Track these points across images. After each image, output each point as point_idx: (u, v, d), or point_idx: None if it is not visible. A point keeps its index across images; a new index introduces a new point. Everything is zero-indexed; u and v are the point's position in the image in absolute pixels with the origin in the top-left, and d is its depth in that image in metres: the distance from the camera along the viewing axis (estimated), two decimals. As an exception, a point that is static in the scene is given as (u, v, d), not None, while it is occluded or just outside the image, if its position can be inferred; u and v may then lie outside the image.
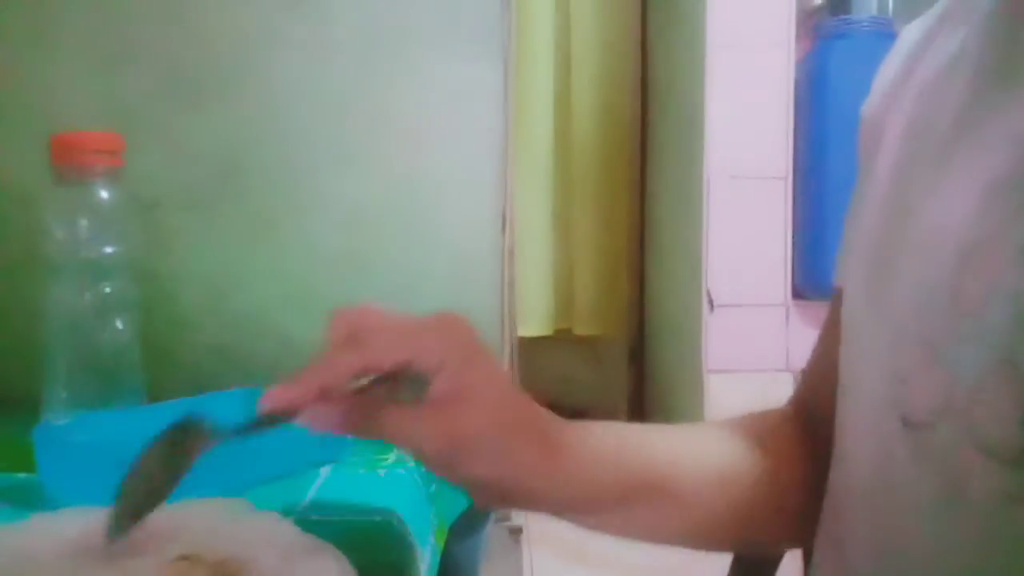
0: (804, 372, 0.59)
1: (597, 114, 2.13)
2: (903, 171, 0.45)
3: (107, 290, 0.66)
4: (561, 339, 2.26)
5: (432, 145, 0.82)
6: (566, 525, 0.48)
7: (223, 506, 0.48)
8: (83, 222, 0.65)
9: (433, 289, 0.82)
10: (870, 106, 0.52)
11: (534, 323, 2.17)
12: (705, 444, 0.52)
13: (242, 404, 0.66)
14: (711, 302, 1.78)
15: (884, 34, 1.67)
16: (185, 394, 0.66)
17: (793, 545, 0.56)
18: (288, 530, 0.46)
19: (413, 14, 0.80)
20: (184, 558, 0.41)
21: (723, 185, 1.78)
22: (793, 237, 1.78)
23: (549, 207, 2.18)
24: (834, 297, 0.53)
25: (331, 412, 0.41)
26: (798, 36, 1.77)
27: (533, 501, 0.44)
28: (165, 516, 0.44)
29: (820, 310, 0.51)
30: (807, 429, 0.54)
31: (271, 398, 0.40)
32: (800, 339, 1.74)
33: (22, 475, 0.59)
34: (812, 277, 1.75)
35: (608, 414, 2.24)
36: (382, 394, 0.42)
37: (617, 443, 0.48)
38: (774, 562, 0.62)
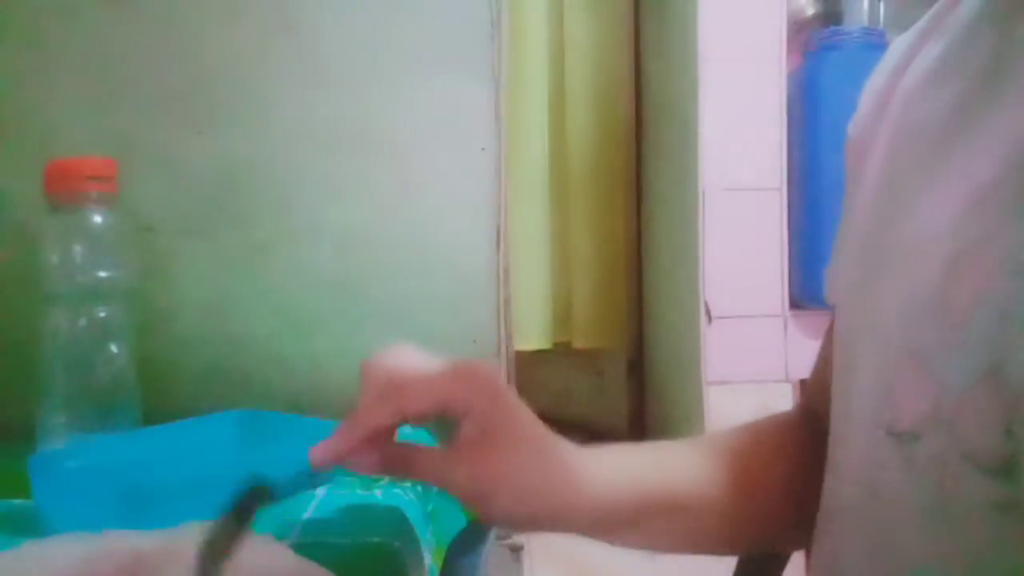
0: (807, 381, 0.59)
1: (592, 129, 2.14)
2: (890, 182, 0.45)
3: (102, 315, 0.66)
4: (560, 353, 2.26)
5: (425, 166, 0.82)
6: (567, 543, 0.49)
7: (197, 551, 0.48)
8: (78, 248, 0.65)
9: (429, 309, 0.82)
10: (856, 122, 0.53)
11: (533, 337, 2.17)
12: (711, 454, 0.53)
13: (237, 427, 0.66)
14: (709, 314, 1.78)
15: (875, 45, 1.68)
16: (181, 417, 0.66)
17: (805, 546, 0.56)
18: (283, 553, 0.46)
19: (404, 38, 0.81)
20: (178, 584, 0.41)
21: (718, 197, 1.78)
22: (789, 247, 1.79)
23: (546, 222, 2.18)
24: (834, 307, 0.53)
25: (372, 459, 0.45)
26: (790, 48, 1.78)
27: (559, 527, 0.47)
28: (159, 540, 0.44)
29: (818, 320, 0.51)
30: (813, 435, 0.55)
31: (320, 452, 0.44)
32: (798, 349, 1.74)
33: (17, 501, 0.59)
34: (809, 287, 1.75)
35: (608, 427, 2.24)
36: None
37: (629, 465, 0.50)
38: (780, 563, 0.62)
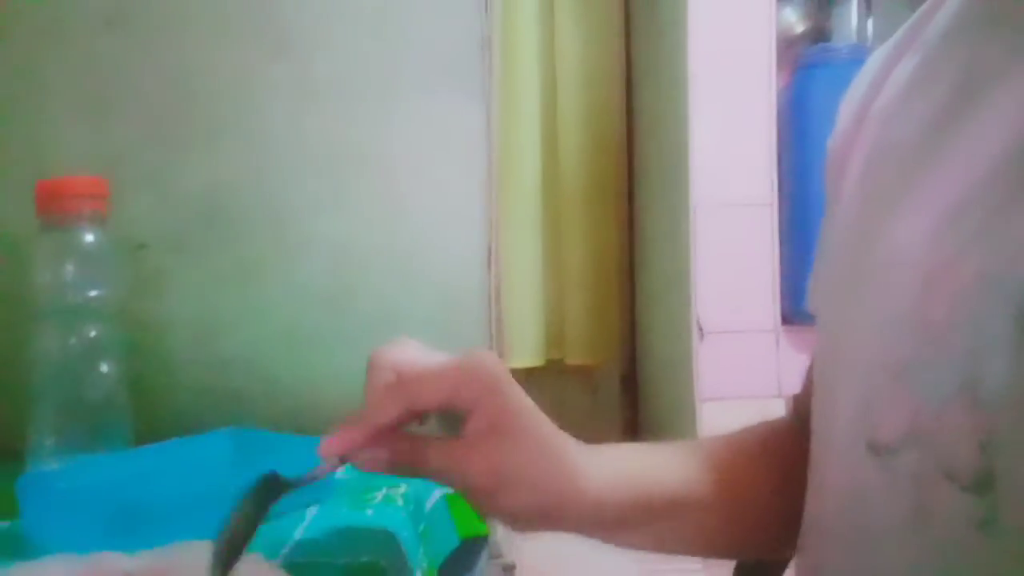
0: (797, 394, 0.60)
1: (584, 146, 2.15)
2: (867, 198, 0.46)
3: (93, 334, 0.66)
4: (553, 369, 2.26)
5: (416, 184, 0.83)
6: (560, 562, 0.48)
7: (207, 549, 0.47)
8: (69, 267, 0.65)
9: (421, 326, 0.82)
10: (835, 137, 0.53)
11: (526, 354, 2.17)
12: (706, 458, 0.53)
13: (228, 446, 0.66)
14: (701, 329, 1.78)
15: (863, 61, 1.69)
16: (172, 436, 0.65)
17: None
18: (273, 573, 0.46)
19: (396, 56, 0.81)
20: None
21: (710, 213, 1.79)
22: (780, 263, 1.79)
23: (539, 238, 2.18)
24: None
25: (381, 454, 0.44)
26: (779, 65, 1.79)
27: (566, 525, 0.47)
28: (149, 561, 0.43)
29: (810, 335, 0.52)
30: (803, 445, 0.55)
31: (330, 446, 0.44)
32: (791, 365, 1.74)
33: (5, 523, 0.58)
34: (800, 303, 1.76)
35: (603, 443, 2.23)
36: (422, 432, 0.46)
37: (628, 464, 0.50)
38: (780, 567, 0.62)
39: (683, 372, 1.85)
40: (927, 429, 0.36)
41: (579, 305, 2.20)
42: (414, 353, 0.46)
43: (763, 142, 1.77)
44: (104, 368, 0.66)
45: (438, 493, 0.68)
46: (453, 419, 0.45)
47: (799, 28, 1.93)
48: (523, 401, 0.46)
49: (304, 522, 0.59)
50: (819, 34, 1.88)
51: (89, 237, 0.66)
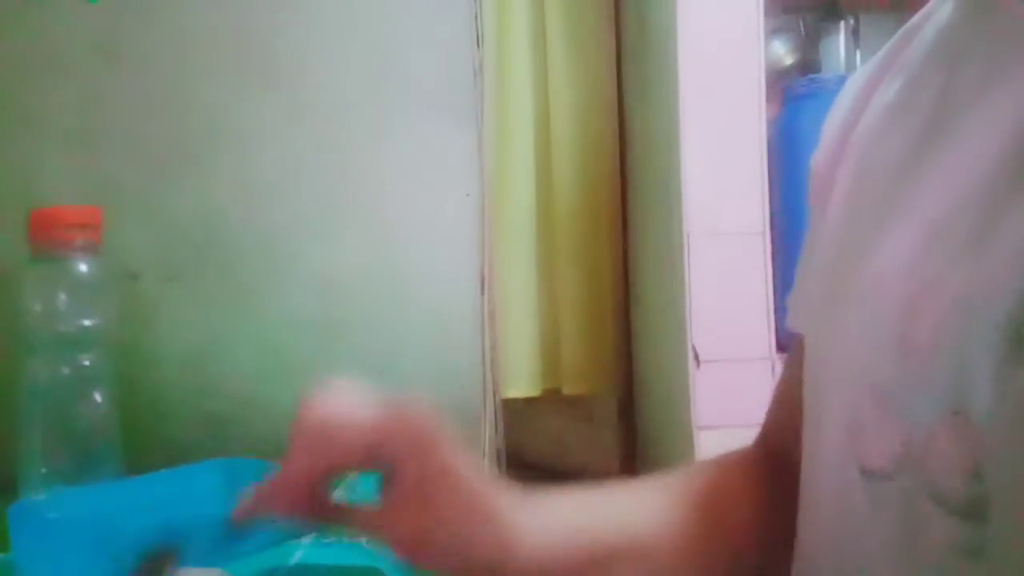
0: (767, 415, 0.59)
1: (578, 174, 2.17)
2: (850, 219, 0.46)
3: (85, 363, 0.66)
4: (550, 400, 2.25)
5: (408, 211, 0.83)
6: None
7: (199, 578, 0.47)
8: (61, 296, 0.65)
9: (413, 353, 0.82)
10: (819, 156, 0.54)
11: (522, 384, 2.16)
12: (654, 500, 0.52)
13: (221, 476, 0.65)
14: (697, 358, 1.78)
15: (852, 91, 1.71)
16: (165, 466, 0.65)
17: None
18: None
19: (388, 84, 0.82)
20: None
21: (703, 241, 1.80)
22: (774, 291, 1.80)
23: (533, 268, 2.19)
24: (794, 342, 0.53)
25: (298, 513, 0.43)
26: (769, 96, 1.82)
27: None
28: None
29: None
30: (772, 473, 0.54)
31: (243, 511, 0.42)
32: (787, 392, 1.74)
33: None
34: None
35: (600, 473, 2.22)
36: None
37: (581, 511, 0.49)
38: None
39: (679, 400, 1.85)
40: (916, 455, 0.36)
41: (575, 334, 2.20)
42: (344, 401, 0.44)
43: (754, 172, 1.79)
44: (96, 397, 0.66)
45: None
46: (381, 475, 0.44)
47: (788, 60, 1.96)
48: (451, 457, 0.43)
49: (298, 552, 0.58)
50: (808, 66, 1.90)
51: (82, 267, 0.66)
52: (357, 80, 0.83)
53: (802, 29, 1.98)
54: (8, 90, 0.80)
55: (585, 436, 2.36)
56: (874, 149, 0.45)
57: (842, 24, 1.95)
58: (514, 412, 1.99)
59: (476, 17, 0.82)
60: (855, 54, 1.90)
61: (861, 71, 0.53)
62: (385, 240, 0.83)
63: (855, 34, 1.93)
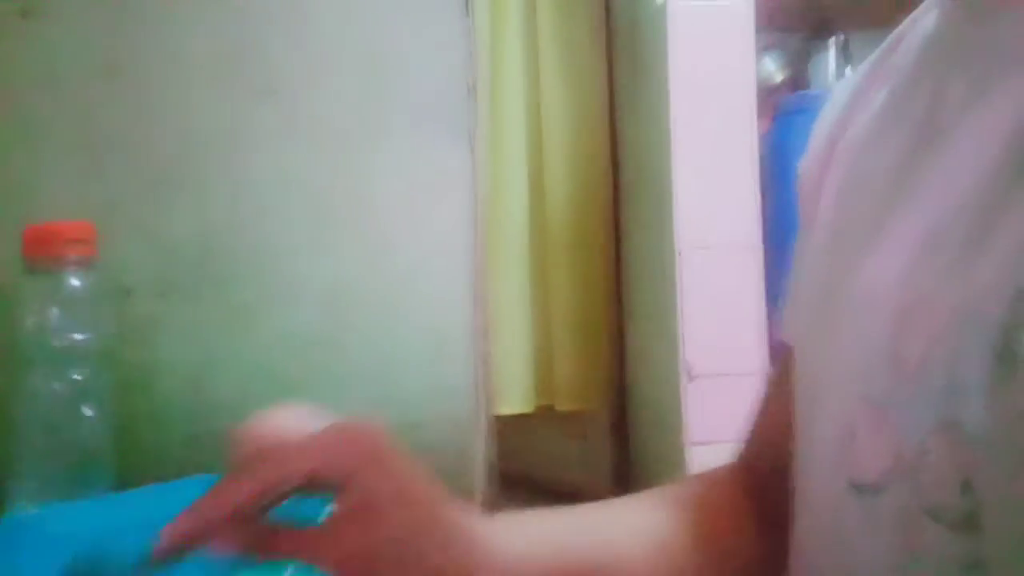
0: (750, 431, 0.59)
1: (571, 190, 2.18)
2: (841, 229, 0.46)
3: (78, 378, 0.66)
4: (543, 416, 2.25)
5: (403, 227, 0.83)
6: None
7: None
8: (55, 311, 0.65)
9: (406, 369, 0.82)
10: (807, 162, 0.54)
11: (515, 400, 2.16)
12: (642, 516, 0.51)
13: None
14: (689, 373, 1.79)
15: (842, 108, 1.73)
16: (157, 482, 0.65)
17: None
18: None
19: (381, 101, 0.83)
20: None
21: (695, 256, 1.80)
22: (767, 305, 1.80)
23: (526, 284, 2.19)
24: (783, 353, 0.53)
25: (229, 543, 0.39)
26: (760, 112, 1.83)
27: None
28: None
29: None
30: (748, 493, 0.54)
31: (170, 533, 0.38)
32: (780, 407, 1.74)
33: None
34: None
35: (593, 490, 2.21)
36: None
37: (554, 530, 0.47)
38: None
39: (672, 416, 1.85)
40: (909, 468, 0.36)
41: (568, 350, 2.20)
42: (288, 423, 0.41)
43: (746, 187, 1.80)
44: (89, 412, 0.66)
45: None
46: (325, 496, 0.40)
47: (779, 77, 1.98)
48: (402, 475, 0.41)
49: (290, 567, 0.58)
50: (798, 82, 1.92)
51: (76, 282, 0.66)
52: (351, 97, 0.83)
53: (793, 46, 2.00)
54: (5, 104, 0.81)
55: (578, 452, 2.36)
56: (862, 160, 0.46)
57: (832, 41, 1.97)
58: (507, 428, 1.98)
59: (470, 33, 0.82)
60: (845, 71, 1.92)
61: (850, 77, 0.53)
62: (379, 256, 0.83)
63: (845, 51, 1.96)
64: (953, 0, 0.43)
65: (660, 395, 1.95)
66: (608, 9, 2.12)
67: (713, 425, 1.78)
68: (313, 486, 0.40)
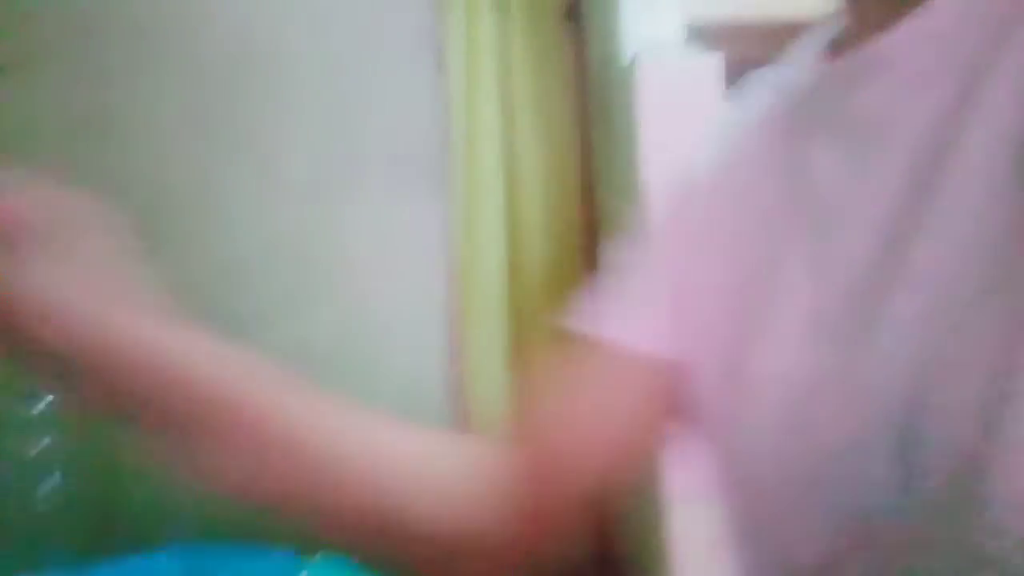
0: (537, 418, 0.50)
1: (546, 246, 2.19)
2: (735, 298, 0.43)
3: (44, 443, 0.64)
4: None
5: (379, 283, 0.83)
6: None
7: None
8: (23, 376, 0.64)
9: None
10: (696, 181, 0.50)
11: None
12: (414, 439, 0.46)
13: (181, 563, 0.63)
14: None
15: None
16: (127, 550, 0.63)
17: None
18: None
19: (359, 155, 0.83)
20: None
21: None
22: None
23: (503, 336, 2.19)
24: (601, 345, 0.47)
25: None
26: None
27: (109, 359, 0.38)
28: None
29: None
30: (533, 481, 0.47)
31: None
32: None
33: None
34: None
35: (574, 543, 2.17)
36: None
37: (250, 373, 0.43)
38: None
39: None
40: (839, 551, 0.35)
41: (545, 403, 2.18)
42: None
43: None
44: (56, 478, 0.64)
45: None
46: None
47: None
48: (100, 238, 0.40)
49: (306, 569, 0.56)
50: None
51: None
52: (326, 153, 0.84)
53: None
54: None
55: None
56: (746, 248, 0.43)
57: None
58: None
59: (443, 89, 0.84)
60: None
61: (737, 125, 0.50)
62: (356, 313, 0.83)
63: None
64: (830, 65, 0.42)
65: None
66: (582, 66, 2.17)
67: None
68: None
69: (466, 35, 1.74)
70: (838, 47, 0.42)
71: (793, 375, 0.37)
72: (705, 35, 1.77)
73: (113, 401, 0.40)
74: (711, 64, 1.65)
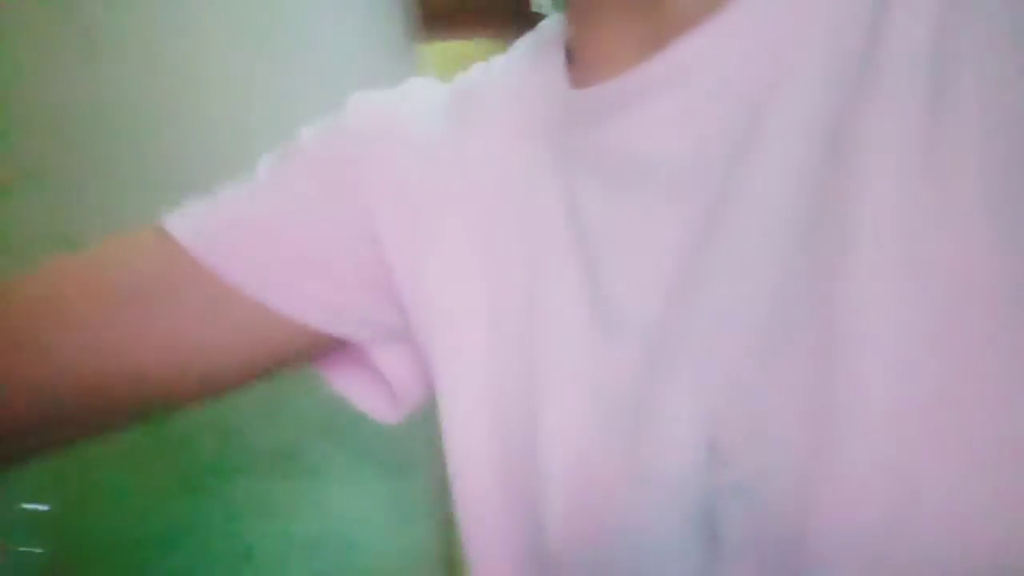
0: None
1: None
2: (502, 373, 0.37)
3: (19, 549, 0.63)
4: None
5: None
6: None
7: None
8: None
9: (368, 535, 0.80)
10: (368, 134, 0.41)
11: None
12: None
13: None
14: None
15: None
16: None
17: None
18: None
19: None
20: None
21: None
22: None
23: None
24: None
25: None
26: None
27: None
28: None
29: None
30: None
31: None
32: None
33: None
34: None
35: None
36: None
37: None
38: None
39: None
40: None
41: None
42: None
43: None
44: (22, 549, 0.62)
45: None
46: None
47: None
48: None
49: None
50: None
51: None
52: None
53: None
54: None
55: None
56: (512, 311, 0.37)
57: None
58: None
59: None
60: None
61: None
62: (333, 414, 0.83)
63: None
64: (575, 97, 0.37)
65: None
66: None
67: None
68: None
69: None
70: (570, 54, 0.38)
71: (581, 448, 0.33)
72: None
73: None
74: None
